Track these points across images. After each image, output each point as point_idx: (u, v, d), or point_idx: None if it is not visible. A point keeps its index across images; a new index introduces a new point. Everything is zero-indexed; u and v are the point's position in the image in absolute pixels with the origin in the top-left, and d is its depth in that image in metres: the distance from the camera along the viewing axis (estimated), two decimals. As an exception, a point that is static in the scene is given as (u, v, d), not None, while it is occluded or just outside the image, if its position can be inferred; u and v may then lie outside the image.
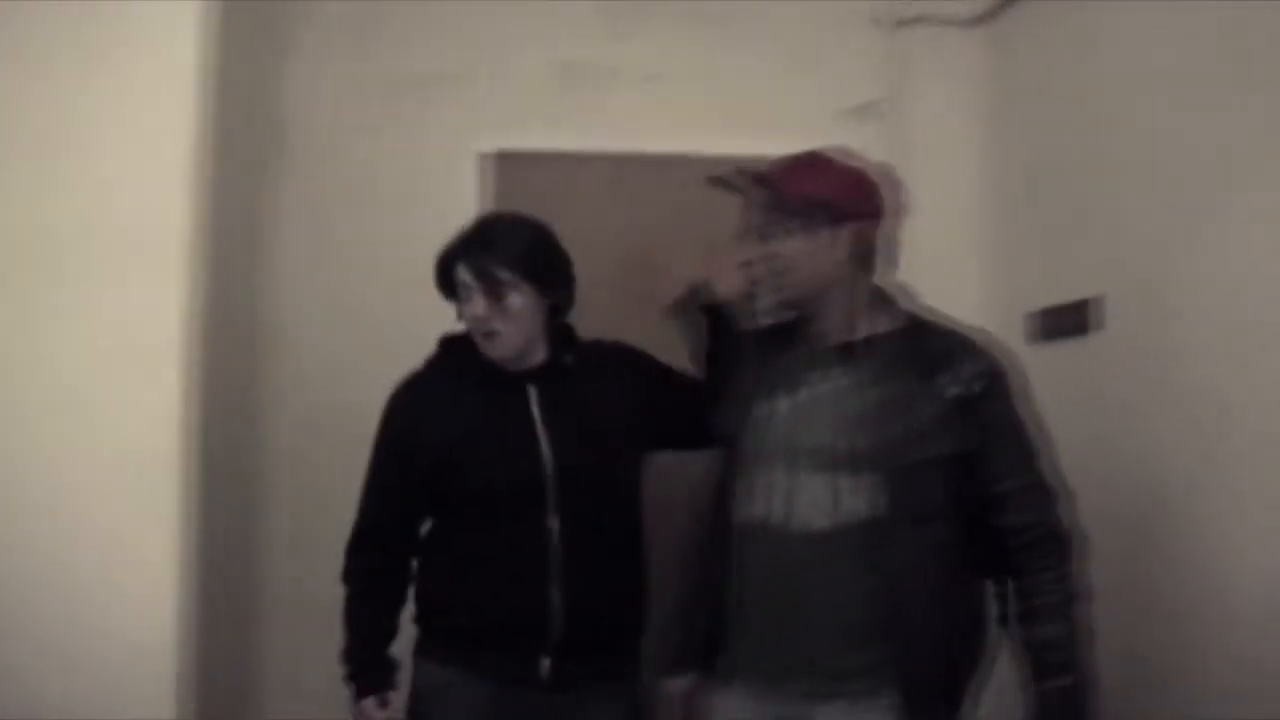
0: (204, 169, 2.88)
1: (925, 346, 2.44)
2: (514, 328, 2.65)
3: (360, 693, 2.68)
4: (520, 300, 2.63)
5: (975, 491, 2.39)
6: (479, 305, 2.64)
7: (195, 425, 2.84)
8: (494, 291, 2.62)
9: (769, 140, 3.48)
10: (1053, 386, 3.11)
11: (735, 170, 2.54)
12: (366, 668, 2.70)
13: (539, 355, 2.72)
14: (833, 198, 2.45)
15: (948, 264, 3.56)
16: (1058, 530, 2.41)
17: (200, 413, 2.87)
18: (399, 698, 2.70)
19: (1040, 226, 3.39)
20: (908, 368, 2.40)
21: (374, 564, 2.75)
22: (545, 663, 2.61)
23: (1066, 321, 3.13)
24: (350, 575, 2.76)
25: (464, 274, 2.65)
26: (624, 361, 2.84)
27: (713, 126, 3.70)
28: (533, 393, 2.69)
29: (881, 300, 2.53)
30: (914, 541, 2.34)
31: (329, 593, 2.94)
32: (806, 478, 2.38)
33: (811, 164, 2.51)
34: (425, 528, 2.78)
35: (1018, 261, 3.52)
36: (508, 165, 3.72)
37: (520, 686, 2.62)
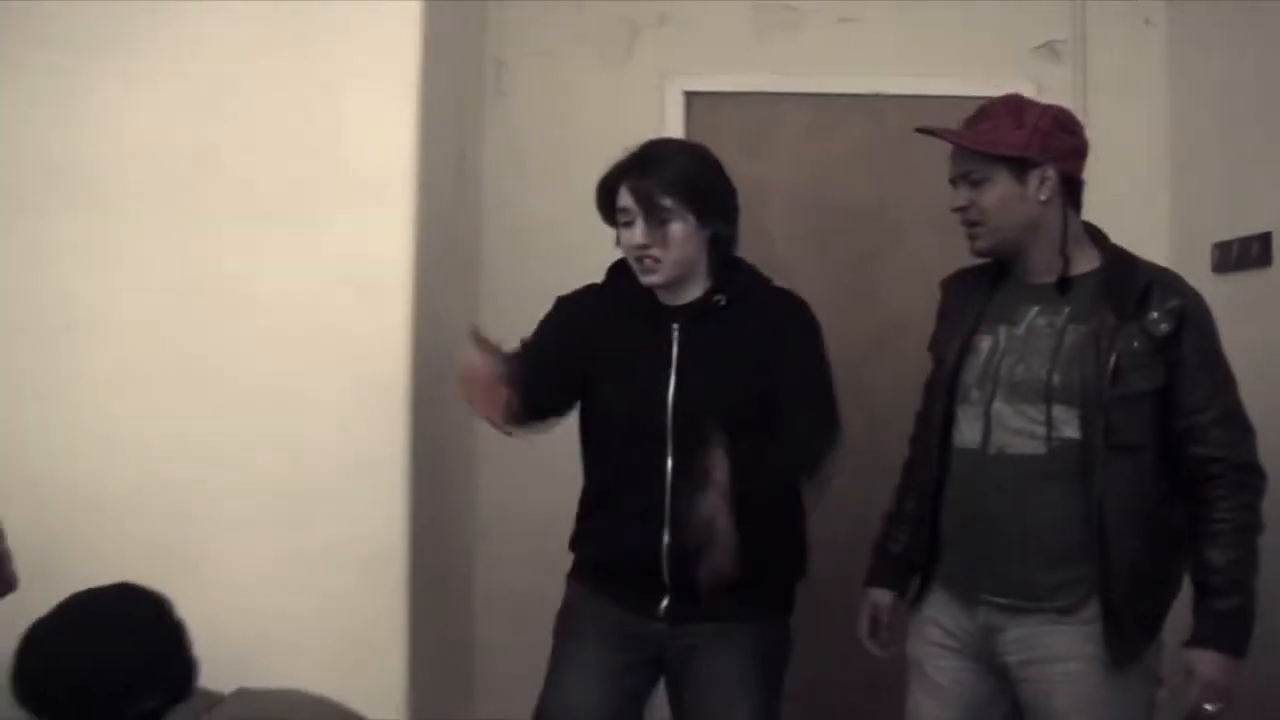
0: (429, 112, 2.98)
1: (1130, 283, 2.44)
2: (672, 255, 2.58)
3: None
4: (680, 227, 2.56)
5: (1172, 423, 2.41)
6: (638, 230, 2.57)
7: (419, 352, 2.93)
8: (655, 216, 2.55)
9: (959, 80, 3.62)
10: (1236, 316, 3.14)
11: (924, 127, 2.55)
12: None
13: (694, 290, 2.64)
14: (1026, 142, 2.45)
15: (1135, 197, 3.60)
16: (1245, 463, 2.41)
17: (423, 341, 2.96)
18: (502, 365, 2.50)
19: (1225, 160, 3.40)
20: (1115, 303, 2.41)
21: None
22: (664, 600, 2.61)
23: (1251, 253, 3.15)
24: None
25: (625, 197, 2.58)
26: (788, 315, 2.69)
27: (904, 67, 3.79)
28: (676, 333, 2.62)
29: (1091, 237, 2.56)
30: (1121, 470, 2.38)
31: (539, 500, 3.16)
32: (1019, 407, 2.44)
33: (1006, 109, 2.51)
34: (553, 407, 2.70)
35: (1204, 194, 3.54)
36: (707, 104, 3.85)
37: (644, 617, 2.64)
